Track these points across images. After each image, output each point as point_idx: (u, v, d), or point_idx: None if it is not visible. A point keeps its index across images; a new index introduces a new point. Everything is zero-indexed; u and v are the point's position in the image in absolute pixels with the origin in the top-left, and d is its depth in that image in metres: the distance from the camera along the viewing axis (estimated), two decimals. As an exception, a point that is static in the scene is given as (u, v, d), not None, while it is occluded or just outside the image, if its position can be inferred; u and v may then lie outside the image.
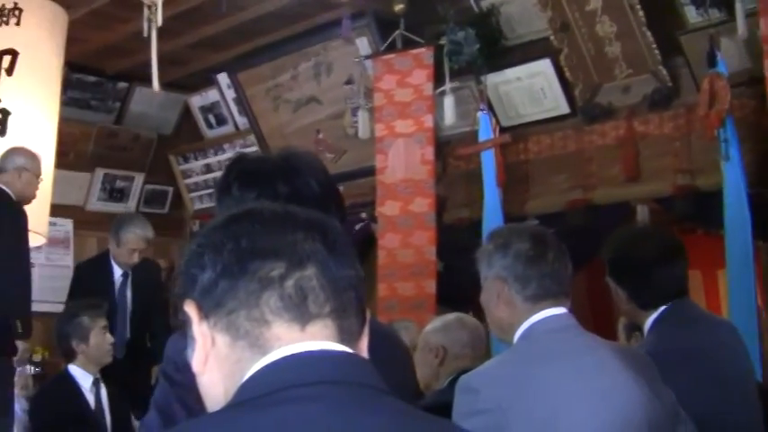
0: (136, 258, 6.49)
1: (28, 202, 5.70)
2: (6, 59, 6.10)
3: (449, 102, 6.64)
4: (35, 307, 7.73)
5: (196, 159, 8.50)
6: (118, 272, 6.72)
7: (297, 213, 1.36)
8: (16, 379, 6.41)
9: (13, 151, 5.75)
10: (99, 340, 4.98)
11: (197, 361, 1.31)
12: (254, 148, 7.93)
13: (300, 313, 1.27)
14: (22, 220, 5.57)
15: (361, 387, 1.24)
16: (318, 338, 1.27)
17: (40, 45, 6.21)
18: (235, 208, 1.99)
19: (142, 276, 6.67)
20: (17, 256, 5.50)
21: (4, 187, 5.58)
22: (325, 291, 1.28)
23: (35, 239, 6.06)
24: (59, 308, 7.72)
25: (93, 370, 4.95)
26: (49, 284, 8.06)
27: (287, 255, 1.28)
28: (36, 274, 7.99)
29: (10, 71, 6.06)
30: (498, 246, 2.54)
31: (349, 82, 7.22)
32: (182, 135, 8.70)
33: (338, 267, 1.30)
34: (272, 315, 1.26)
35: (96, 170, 8.19)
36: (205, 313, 1.30)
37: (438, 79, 6.66)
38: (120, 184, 8.40)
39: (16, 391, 6.41)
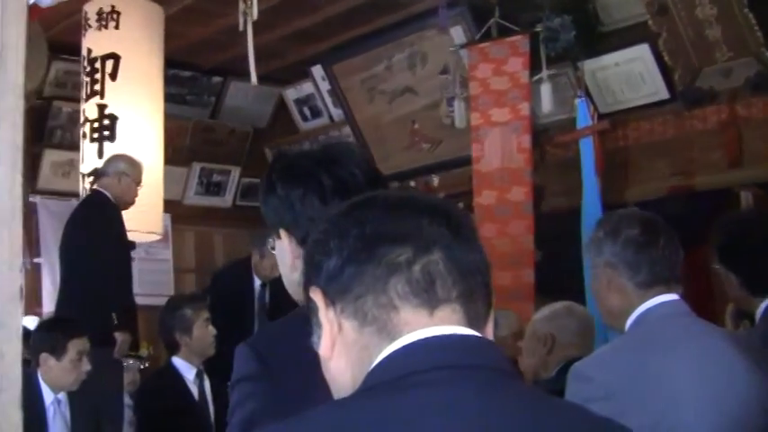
0: (277, 273, 6.52)
1: (126, 206, 5.80)
2: (109, 64, 6.17)
3: (546, 89, 6.56)
4: (138, 300, 7.88)
5: (292, 151, 8.53)
6: (257, 282, 6.87)
7: (420, 198, 1.34)
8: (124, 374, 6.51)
9: (116, 157, 5.87)
10: (202, 332, 5.00)
11: (324, 347, 1.31)
12: (350, 140, 7.94)
13: (428, 298, 1.25)
14: (116, 221, 5.67)
15: (492, 371, 1.22)
16: (447, 323, 1.24)
17: (141, 46, 6.26)
18: (281, 207, 2.01)
19: (282, 287, 6.71)
20: (111, 254, 5.60)
21: (103, 190, 5.69)
22: (452, 275, 1.26)
23: (150, 237, 6.16)
24: (159, 301, 7.85)
25: (196, 362, 4.98)
26: (149, 278, 8.18)
27: (413, 239, 1.26)
28: (136, 268, 8.12)
29: (114, 76, 6.14)
30: (608, 232, 2.49)
31: (444, 71, 7.17)
32: (277, 128, 8.74)
33: (464, 252, 1.28)
34: (400, 300, 1.25)
35: (193, 164, 8.27)
36: (331, 300, 1.29)
37: (534, 67, 6.57)
38: (216, 177, 8.47)
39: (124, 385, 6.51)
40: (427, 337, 1.22)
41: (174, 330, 4.99)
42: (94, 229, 5.61)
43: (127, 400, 6.27)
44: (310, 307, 1.34)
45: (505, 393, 1.20)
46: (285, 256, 2.04)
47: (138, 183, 5.86)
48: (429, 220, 1.29)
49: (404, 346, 1.22)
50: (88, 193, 5.97)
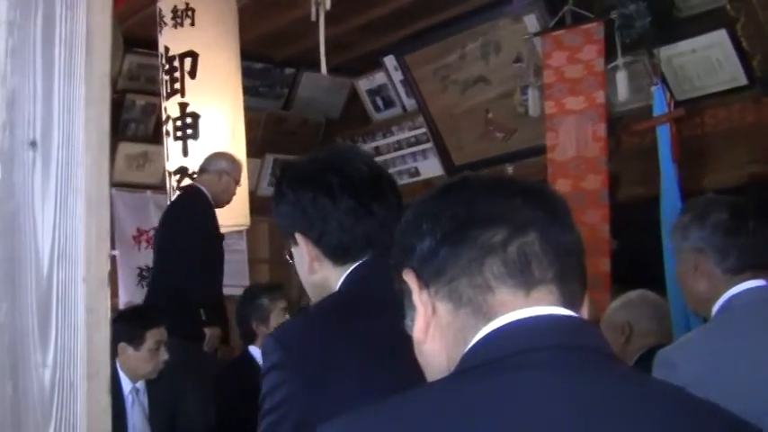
0: None
1: (222, 204, 5.87)
2: (187, 62, 6.22)
3: (621, 77, 6.48)
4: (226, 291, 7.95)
5: (364, 143, 8.53)
6: None
7: (513, 180, 1.36)
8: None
9: (217, 155, 5.95)
10: (279, 321, 5.03)
11: (418, 330, 1.31)
12: (423, 130, 7.93)
13: (524, 279, 1.24)
14: (210, 219, 5.74)
15: (592, 352, 1.21)
16: (543, 304, 1.24)
17: (217, 42, 6.29)
18: (293, 212, 2.06)
19: None
20: (201, 251, 5.66)
21: (201, 187, 5.76)
22: (547, 256, 1.25)
23: (237, 228, 6.22)
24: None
25: None
26: (225, 269, 8.23)
27: (507, 220, 1.26)
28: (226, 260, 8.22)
29: (193, 74, 6.18)
30: (695, 216, 2.45)
31: (518, 60, 7.12)
32: (349, 119, 8.75)
33: (559, 232, 1.28)
34: (496, 281, 1.24)
35: (266, 156, 8.33)
36: (425, 282, 1.29)
37: (609, 54, 6.50)
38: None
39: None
40: (524, 318, 1.22)
41: (250, 319, 5.04)
42: (187, 225, 5.69)
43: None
44: (402, 289, 1.33)
45: (606, 374, 1.19)
46: (303, 259, 2.07)
47: (238, 182, 5.93)
48: (523, 201, 1.28)
49: (501, 327, 1.22)
50: (185, 187, 6.02)
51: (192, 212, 5.73)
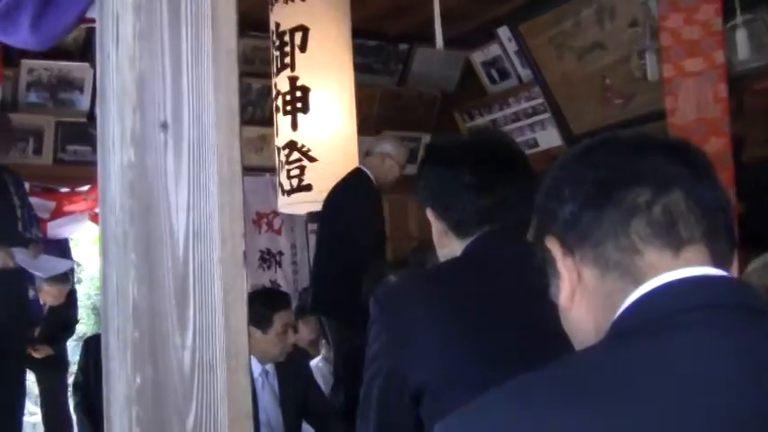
0: None
1: (386, 187, 5.91)
2: (298, 36, 6.23)
3: (741, 35, 6.28)
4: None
5: (481, 115, 8.47)
6: None
7: (654, 137, 1.30)
8: (323, 342, 6.63)
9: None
10: None
11: (564, 297, 1.27)
12: (540, 100, 7.83)
13: (672, 239, 1.20)
14: (375, 201, 5.80)
15: (750, 311, 1.16)
16: (693, 264, 1.19)
17: (328, 16, 6.28)
18: (425, 187, 2.17)
19: None
20: (366, 234, 5.73)
21: (365, 169, 5.82)
22: (694, 214, 1.21)
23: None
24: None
25: None
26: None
27: (650, 179, 1.21)
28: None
29: (303, 48, 6.19)
30: None
31: (633, 24, 6.97)
32: (465, 92, 8.68)
33: (705, 189, 1.23)
34: (643, 243, 1.20)
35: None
36: (569, 248, 1.26)
37: (727, 13, 6.31)
38: (407, 145, 8.48)
39: (323, 353, 6.63)
40: (677, 279, 1.18)
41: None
42: (352, 207, 5.74)
43: (324, 367, 6.38)
44: (544, 257, 1.30)
45: (762, 332, 1.14)
46: (434, 234, 2.18)
47: (402, 165, 5.97)
48: (665, 159, 1.24)
49: (652, 290, 1.18)
50: (351, 171, 6.07)
51: (355, 194, 5.79)
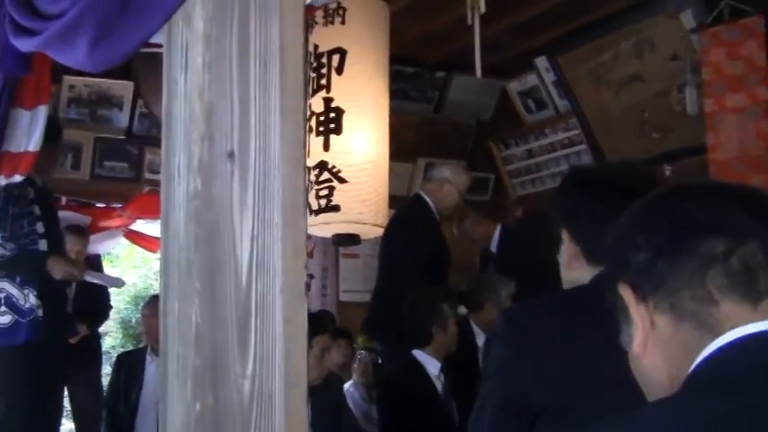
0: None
1: (445, 213, 5.92)
2: (335, 58, 6.25)
3: (785, 72, 6.26)
4: (360, 297, 8.00)
5: (517, 145, 8.45)
6: None
7: (729, 186, 1.29)
8: (355, 366, 6.63)
9: (444, 163, 6.01)
10: (454, 329, 5.06)
11: (636, 344, 1.27)
12: (576, 132, 7.81)
13: (750, 291, 1.19)
14: (432, 227, 5.88)
15: None
16: None
17: (366, 41, 6.30)
18: (564, 208, 2.20)
19: None
20: (426, 259, 5.75)
21: (423, 194, 5.84)
22: None
23: (374, 232, 6.23)
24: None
25: (440, 357, 5.01)
26: (373, 274, 8.26)
27: (726, 229, 1.21)
28: (360, 264, 8.25)
29: (339, 70, 6.21)
30: None
31: (674, 58, 6.94)
32: (501, 121, 8.66)
33: None
34: (720, 294, 1.19)
35: (418, 160, 8.31)
36: (642, 295, 1.25)
37: (770, 49, 6.29)
38: (468, 172, 8.47)
39: (354, 377, 6.63)
40: (758, 332, 1.16)
41: (430, 324, 5.04)
42: (410, 233, 5.77)
43: (362, 392, 6.37)
44: (616, 303, 1.30)
45: None
46: (564, 254, 2.20)
47: (461, 191, 5.98)
48: (739, 208, 1.23)
49: (730, 343, 1.17)
50: (412, 197, 6.09)
51: (412, 219, 5.83)
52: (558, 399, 1.86)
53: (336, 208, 5.97)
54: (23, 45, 2.71)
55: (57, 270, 6.02)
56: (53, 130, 6.58)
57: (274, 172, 1.61)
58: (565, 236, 2.18)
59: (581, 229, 2.14)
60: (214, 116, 1.61)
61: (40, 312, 5.66)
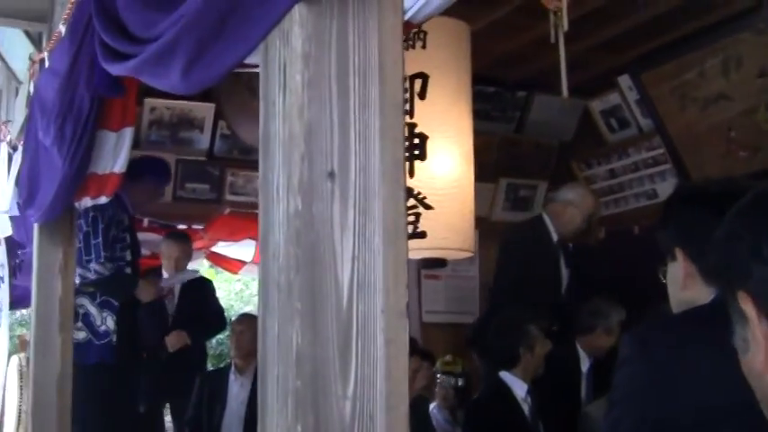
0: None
1: (566, 237, 5.84)
2: (417, 84, 6.24)
3: None
4: (442, 318, 7.97)
5: (599, 164, 8.36)
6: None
7: None
8: (436, 390, 6.61)
9: (569, 185, 5.95)
10: (541, 352, 5.02)
11: (759, 362, 1.23)
12: (660, 151, 7.71)
13: None
14: (544, 249, 5.91)
15: None
16: None
17: (448, 64, 6.28)
18: (678, 226, 2.13)
19: None
20: (537, 280, 5.74)
21: (544, 216, 5.79)
22: None
23: (460, 255, 6.20)
24: (465, 318, 7.89)
25: (528, 379, 4.97)
26: (456, 295, 8.25)
27: None
28: (442, 285, 8.21)
29: (422, 95, 6.20)
30: None
31: (762, 74, 6.82)
32: (583, 140, 8.57)
33: None
34: None
35: (500, 180, 8.27)
36: (766, 311, 1.20)
37: None
38: (523, 192, 8.43)
39: (437, 401, 6.60)
40: None
41: (518, 346, 5.01)
42: (521, 253, 5.73)
43: (446, 414, 6.33)
44: (730, 305, 1.24)
45: None
46: (678, 275, 2.12)
47: (585, 216, 5.89)
48: None
49: None
50: (534, 216, 6.05)
51: (526, 239, 5.78)
52: (694, 421, 1.79)
53: (423, 234, 5.95)
54: (115, 69, 2.74)
55: (145, 293, 6.15)
56: (164, 173, 6.75)
57: (375, 191, 1.59)
58: (679, 254, 2.11)
59: (697, 248, 2.05)
60: (314, 136, 1.60)
61: (114, 338, 5.75)
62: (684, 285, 2.10)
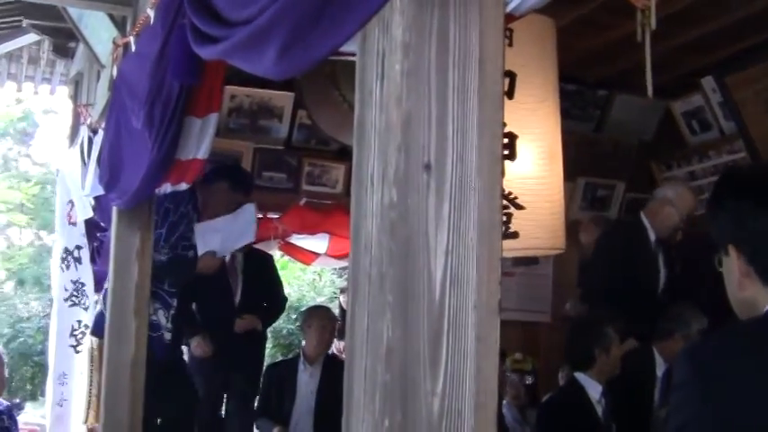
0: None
1: (663, 236, 5.75)
2: (505, 83, 6.17)
3: None
4: (514, 316, 7.91)
5: (679, 167, 8.23)
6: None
7: None
8: (507, 388, 6.56)
9: (670, 183, 5.86)
10: (617, 353, 4.96)
11: None
12: (742, 155, 7.57)
13: None
14: (637, 250, 5.81)
15: None
16: None
17: (535, 62, 6.19)
18: (728, 222, 1.94)
19: None
20: (631, 280, 5.71)
21: (643, 216, 5.71)
22: None
23: (552, 252, 6.15)
24: (538, 317, 7.83)
25: (602, 381, 4.91)
26: (528, 294, 8.19)
27: None
28: (514, 282, 8.15)
29: (510, 94, 6.13)
30: None
31: None
32: (663, 142, 8.45)
33: None
34: None
35: (578, 179, 8.18)
36: None
37: None
38: (601, 192, 8.33)
39: (507, 399, 6.55)
40: None
41: (593, 347, 4.95)
42: (615, 253, 5.66)
43: (515, 413, 6.29)
44: None
45: None
46: (733, 273, 1.95)
47: (683, 215, 5.79)
48: None
49: None
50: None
51: (619, 238, 5.71)
52: None
53: (515, 235, 5.90)
54: (206, 53, 2.73)
55: (208, 266, 6.12)
56: (241, 182, 6.70)
57: (471, 185, 1.56)
58: (732, 251, 1.93)
59: (752, 245, 1.89)
60: (411, 126, 1.58)
61: (166, 335, 5.76)
62: (740, 287, 1.92)
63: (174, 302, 5.87)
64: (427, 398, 1.54)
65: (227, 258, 7.01)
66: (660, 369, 5.47)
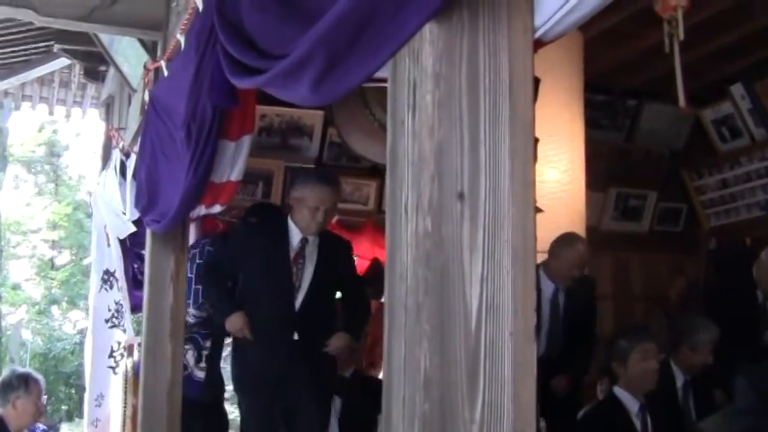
0: None
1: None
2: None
3: None
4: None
5: (710, 175, 8.19)
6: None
7: None
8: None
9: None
10: (638, 366, 4.90)
11: None
12: (775, 161, 7.55)
13: None
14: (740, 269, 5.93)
15: None
16: None
17: (560, 68, 6.21)
18: None
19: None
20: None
21: None
22: None
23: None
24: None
25: (638, 395, 4.87)
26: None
27: None
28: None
29: (534, 98, 6.15)
30: None
31: None
32: (694, 150, 8.40)
33: None
34: None
35: (609, 189, 8.16)
36: None
37: None
38: (633, 202, 8.29)
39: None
40: None
41: (609, 360, 4.95)
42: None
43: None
44: None
45: None
46: None
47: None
48: None
49: None
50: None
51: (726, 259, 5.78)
52: None
53: (533, 237, 5.90)
54: (243, 83, 2.74)
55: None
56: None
57: (504, 213, 1.58)
58: None
59: None
60: (444, 155, 1.59)
61: (197, 373, 5.75)
62: None
63: (208, 344, 5.86)
64: (466, 425, 1.54)
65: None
66: (679, 380, 5.45)
